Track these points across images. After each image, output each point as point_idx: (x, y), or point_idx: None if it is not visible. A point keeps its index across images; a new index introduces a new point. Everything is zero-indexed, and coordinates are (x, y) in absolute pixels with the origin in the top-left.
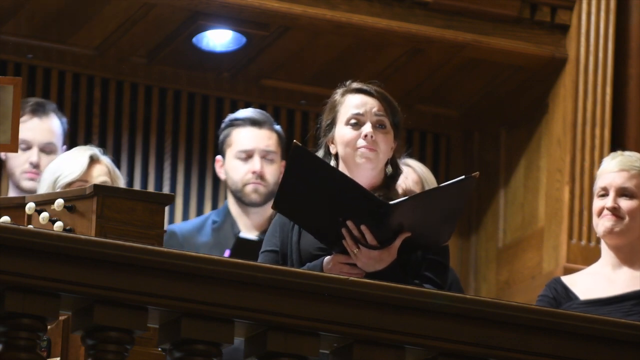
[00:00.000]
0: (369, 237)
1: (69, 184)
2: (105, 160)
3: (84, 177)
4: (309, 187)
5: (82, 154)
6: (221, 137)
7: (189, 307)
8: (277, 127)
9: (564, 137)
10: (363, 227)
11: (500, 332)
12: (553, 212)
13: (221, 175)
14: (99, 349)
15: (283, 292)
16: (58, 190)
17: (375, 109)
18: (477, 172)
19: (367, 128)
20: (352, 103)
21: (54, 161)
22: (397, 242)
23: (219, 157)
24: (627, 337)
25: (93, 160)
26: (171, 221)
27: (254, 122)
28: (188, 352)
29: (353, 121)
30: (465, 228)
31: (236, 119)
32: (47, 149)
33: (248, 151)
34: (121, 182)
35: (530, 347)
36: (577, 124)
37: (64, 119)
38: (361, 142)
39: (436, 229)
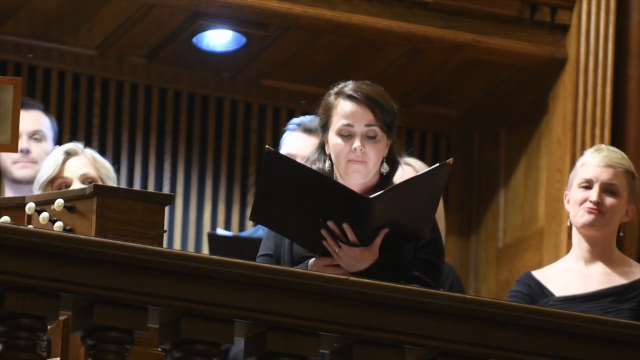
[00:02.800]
0: (350, 235)
1: (49, 182)
2: (87, 152)
3: (60, 174)
4: (286, 191)
5: (58, 151)
6: (281, 139)
7: (189, 307)
8: None
9: (564, 137)
10: (345, 225)
11: (500, 332)
12: (553, 212)
13: None
14: (99, 349)
15: (283, 292)
16: (39, 191)
17: (365, 120)
18: (451, 159)
19: (356, 142)
20: (343, 112)
21: None
22: (378, 240)
23: None
24: (627, 337)
25: (70, 155)
26: (171, 221)
27: (305, 129)
28: (188, 352)
29: (343, 132)
30: (465, 228)
31: (292, 124)
32: (36, 137)
33: (292, 155)
34: (110, 172)
35: (530, 347)
36: (577, 124)
37: (53, 119)
38: (351, 155)
39: (416, 219)
